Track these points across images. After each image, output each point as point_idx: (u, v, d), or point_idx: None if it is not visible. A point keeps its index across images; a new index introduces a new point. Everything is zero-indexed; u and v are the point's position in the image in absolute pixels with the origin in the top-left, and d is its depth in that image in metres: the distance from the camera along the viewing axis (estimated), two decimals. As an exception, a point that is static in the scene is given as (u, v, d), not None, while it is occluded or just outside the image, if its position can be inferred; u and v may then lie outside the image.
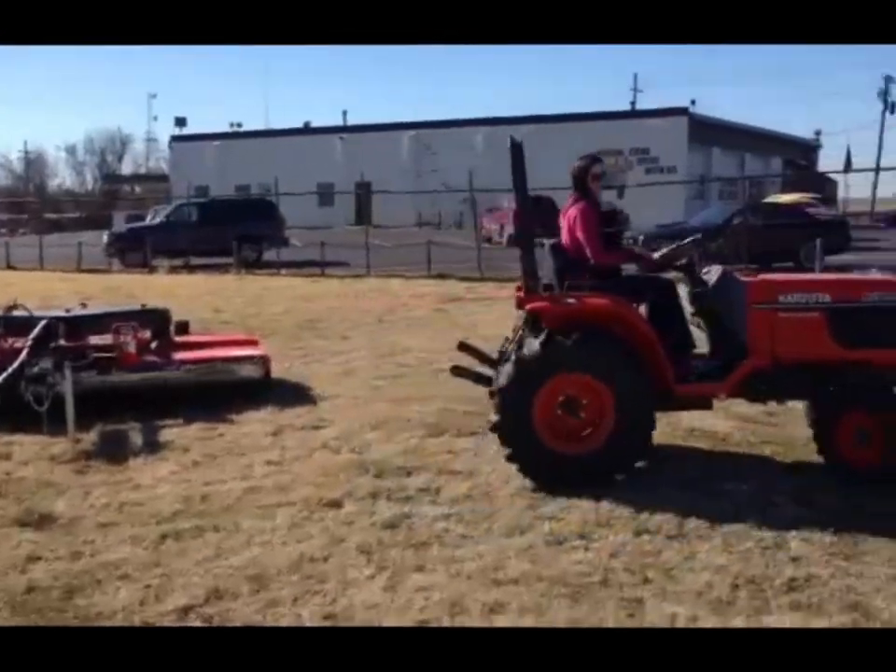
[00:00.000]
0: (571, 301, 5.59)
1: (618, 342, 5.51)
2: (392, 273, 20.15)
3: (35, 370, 7.03)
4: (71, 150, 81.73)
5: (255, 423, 7.21)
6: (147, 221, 30.63)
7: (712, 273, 5.95)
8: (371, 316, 13.54)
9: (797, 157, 57.01)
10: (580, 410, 5.53)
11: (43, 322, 7.79)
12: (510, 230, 27.29)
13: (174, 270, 23.45)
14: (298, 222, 28.95)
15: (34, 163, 77.95)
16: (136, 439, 6.82)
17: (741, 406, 6.71)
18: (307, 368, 9.56)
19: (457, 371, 6.26)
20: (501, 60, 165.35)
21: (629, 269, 6.30)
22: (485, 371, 6.17)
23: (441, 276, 19.52)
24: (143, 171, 78.76)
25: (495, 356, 6.09)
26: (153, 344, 8.49)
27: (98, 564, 4.54)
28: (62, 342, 7.75)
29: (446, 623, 3.88)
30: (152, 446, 6.61)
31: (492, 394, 5.76)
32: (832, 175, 52.76)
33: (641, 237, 18.32)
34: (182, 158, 56.46)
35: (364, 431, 6.92)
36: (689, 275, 5.95)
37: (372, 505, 5.30)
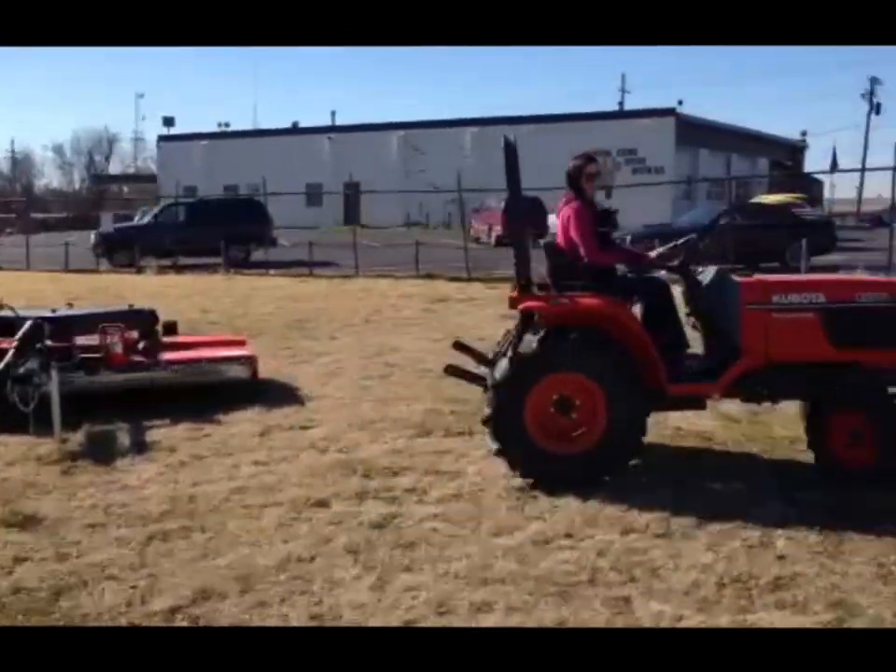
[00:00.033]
0: (564, 301, 5.61)
1: (611, 342, 5.52)
2: (380, 273, 20.15)
3: (21, 370, 7.00)
4: (58, 150, 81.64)
5: (242, 423, 7.20)
6: (135, 221, 30.53)
7: (707, 273, 5.97)
8: (359, 317, 13.53)
9: (783, 157, 57.24)
10: (572, 410, 5.55)
11: (29, 322, 7.75)
12: (498, 230, 27.38)
13: (161, 270, 23.36)
14: (286, 222, 28.88)
15: (20, 163, 77.69)
16: (123, 439, 6.80)
17: (727, 405, 6.74)
18: (295, 368, 9.54)
19: (451, 370, 6.24)
20: (489, 61, 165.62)
21: (623, 269, 6.31)
22: (480, 370, 6.16)
23: (430, 276, 19.53)
24: (131, 171, 78.56)
25: (490, 355, 6.08)
26: (140, 345, 8.46)
27: (84, 565, 4.52)
28: (48, 342, 7.71)
29: (433, 622, 3.89)
30: (139, 447, 6.60)
31: (487, 389, 5.77)
32: (817, 176, 52.97)
33: (629, 237, 18.35)
34: (170, 158, 56.31)
35: (351, 431, 6.92)
36: (684, 275, 5.97)
37: (359, 505, 5.31)
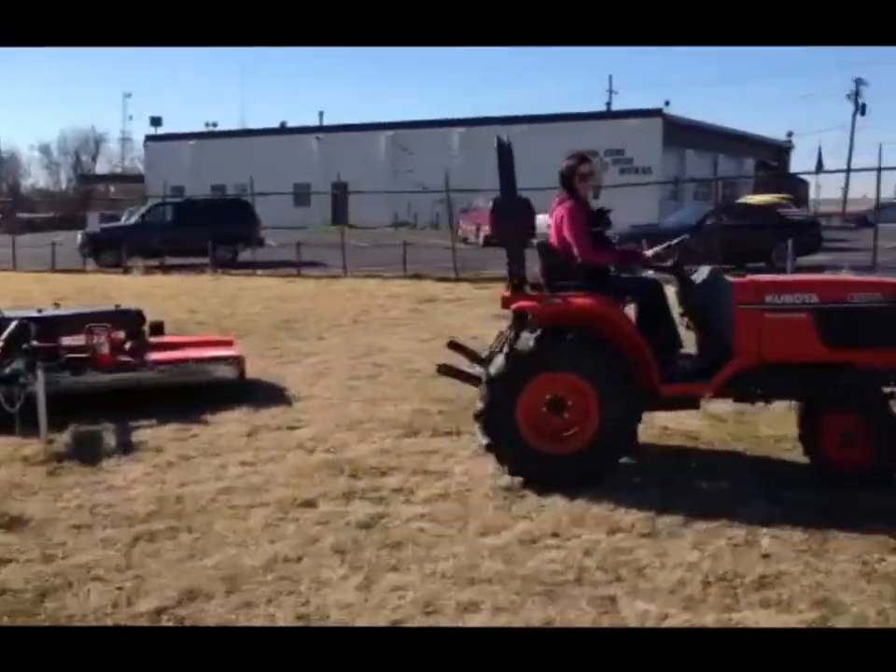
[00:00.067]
0: (557, 301, 5.62)
1: (604, 342, 5.53)
2: (368, 273, 20.14)
3: (7, 370, 6.98)
4: (45, 150, 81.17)
5: (229, 423, 7.19)
6: (122, 221, 30.39)
7: (700, 273, 5.99)
8: (347, 317, 13.52)
9: (769, 158, 57.45)
10: (564, 410, 5.56)
11: (15, 322, 7.72)
12: (486, 230, 27.38)
13: (149, 270, 23.28)
14: (274, 222, 28.84)
15: (7, 163, 77.24)
16: (110, 440, 6.78)
17: (714, 404, 6.77)
18: (282, 368, 9.53)
19: (445, 369, 6.23)
20: (476, 61, 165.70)
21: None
22: (474, 369, 6.16)
23: (418, 277, 19.53)
24: (118, 171, 78.22)
25: (483, 355, 6.07)
26: (127, 345, 8.43)
27: (70, 566, 4.51)
28: (34, 342, 7.68)
29: (420, 622, 3.89)
30: (126, 447, 6.58)
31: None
32: (803, 176, 53.15)
33: (616, 237, 18.40)
34: (157, 157, 56.13)
35: (339, 431, 6.92)
36: (677, 275, 5.98)
37: (347, 505, 5.31)
